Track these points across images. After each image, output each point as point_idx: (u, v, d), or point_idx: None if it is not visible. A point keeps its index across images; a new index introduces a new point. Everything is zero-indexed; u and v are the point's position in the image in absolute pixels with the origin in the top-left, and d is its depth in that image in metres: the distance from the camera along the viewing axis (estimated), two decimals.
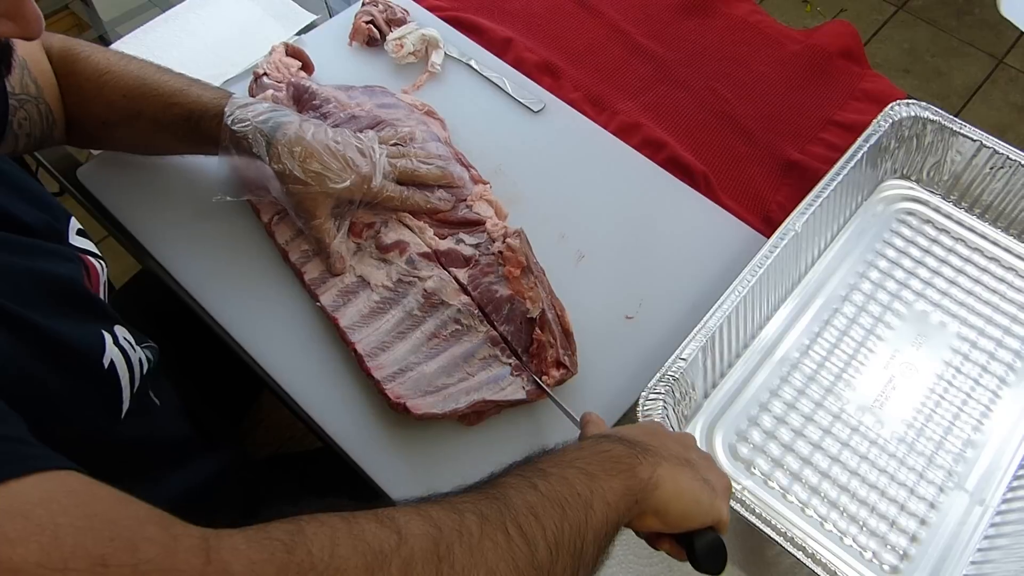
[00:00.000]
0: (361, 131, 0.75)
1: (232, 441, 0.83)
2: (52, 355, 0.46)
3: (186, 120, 0.69)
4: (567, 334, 0.67)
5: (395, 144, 0.75)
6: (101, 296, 0.57)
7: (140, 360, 0.57)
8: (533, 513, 0.40)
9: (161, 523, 0.34)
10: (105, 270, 0.59)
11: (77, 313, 0.51)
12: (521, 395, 0.64)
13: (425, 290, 0.69)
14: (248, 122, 0.67)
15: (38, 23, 0.44)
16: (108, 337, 0.53)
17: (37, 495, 0.33)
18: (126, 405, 0.54)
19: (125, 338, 0.55)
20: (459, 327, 0.68)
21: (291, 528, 0.36)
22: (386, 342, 0.67)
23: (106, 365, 0.51)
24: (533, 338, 0.66)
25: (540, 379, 0.65)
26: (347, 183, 0.68)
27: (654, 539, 0.51)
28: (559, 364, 0.65)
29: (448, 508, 0.39)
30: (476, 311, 0.68)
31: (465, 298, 0.69)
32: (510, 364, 0.66)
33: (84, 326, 0.51)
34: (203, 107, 0.69)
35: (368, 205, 0.72)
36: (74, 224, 0.58)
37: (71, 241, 0.56)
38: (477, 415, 0.65)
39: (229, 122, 0.68)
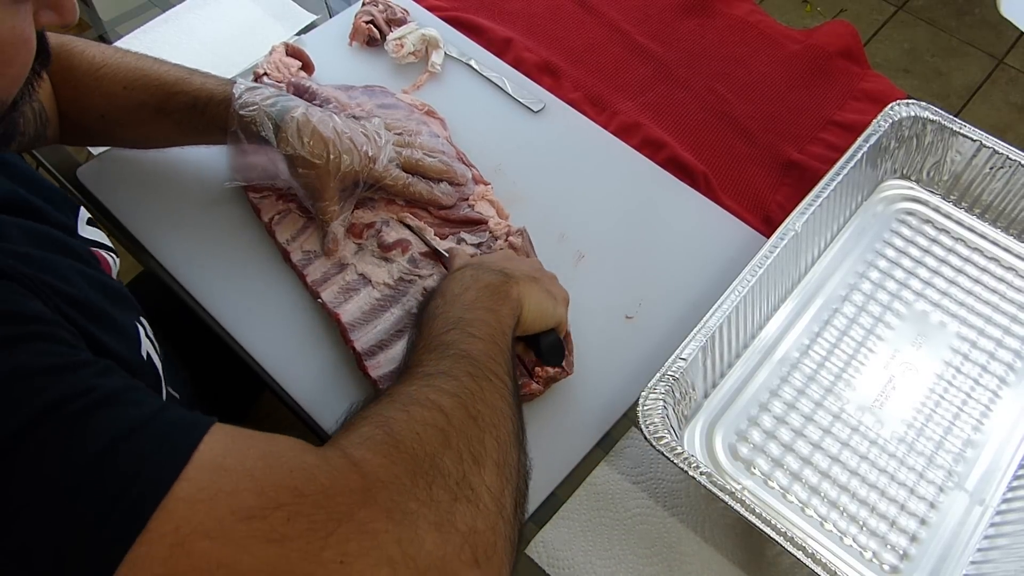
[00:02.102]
0: (368, 119, 0.76)
1: None
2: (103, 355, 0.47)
3: (191, 108, 0.69)
4: (565, 335, 0.67)
5: (400, 134, 0.76)
6: None
7: (160, 352, 0.57)
8: (490, 357, 0.51)
9: (307, 447, 0.40)
10: (117, 263, 0.59)
11: (116, 307, 0.51)
12: None
13: (425, 289, 0.69)
14: (256, 106, 0.68)
15: (75, 10, 0.45)
16: (141, 329, 0.53)
17: (219, 448, 0.37)
18: (164, 396, 0.54)
19: (148, 333, 0.56)
20: None
21: (383, 430, 0.43)
22: (384, 341, 0.67)
23: (144, 357, 0.52)
24: None
25: (533, 375, 0.65)
26: (352, 163, 0.69)
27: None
28: None
29: (447, 378, 0.48)
30: None
31: None
32: None
33: (123, 319, 0.51)
34: (208, 93, 0.69)
35: (372, 188, 0.73)
36: (83, 214, 0.58)
37: (80, 233, 0.56)
38: None
39: (237, 106, 0.68)
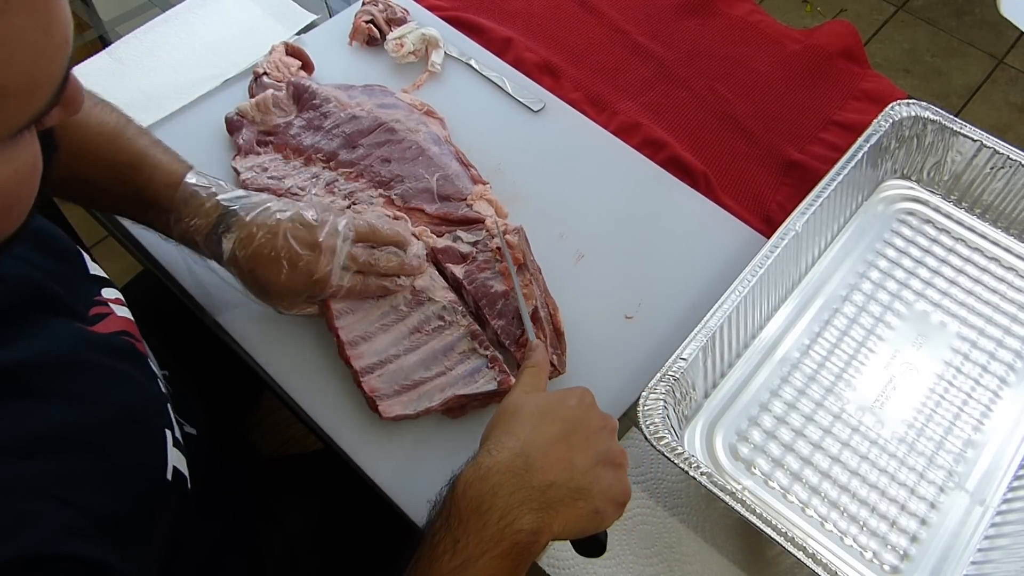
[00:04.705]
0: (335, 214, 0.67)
1: (243, 442, 0.83)
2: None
3: (136, 201, 0.64)
4: (558, 334, 0.68)
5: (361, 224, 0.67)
6: (145, 347, 0.55)
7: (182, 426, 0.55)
8: None
9: None
10: (124, 304, 0.56)
11: (139, 434, 0.48)
12: (492, 386, 0.64)
13: (413, 287, 0.69)
14: (192, 233, 0.63)
15: (83, 100, 0.41)
16: (168, 435, 0.50)
17: None
18: (191, 485, 0.52)
19: (177, 418, 0.53)
20: (442, 323, 0.68)
21: None
22: (370, 332, 0.67)
23: (170, 477, 0.49)
24: (524, 328, 0.66)
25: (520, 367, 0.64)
26: (298, 288, 0.64)
27: None
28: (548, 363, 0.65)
29: None
30: (460, 307, 0.68)
31: (451, 295, 0.69)
32: (487, 356, 0.66)
33: (143, 448, 0.48)
34: (153, 195, 0.63)
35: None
36: (88, 262, 0.56)
37: (91, 271, 0.55)
38: (460, 408, 0.65)
39: (176, 235, 0.64)
